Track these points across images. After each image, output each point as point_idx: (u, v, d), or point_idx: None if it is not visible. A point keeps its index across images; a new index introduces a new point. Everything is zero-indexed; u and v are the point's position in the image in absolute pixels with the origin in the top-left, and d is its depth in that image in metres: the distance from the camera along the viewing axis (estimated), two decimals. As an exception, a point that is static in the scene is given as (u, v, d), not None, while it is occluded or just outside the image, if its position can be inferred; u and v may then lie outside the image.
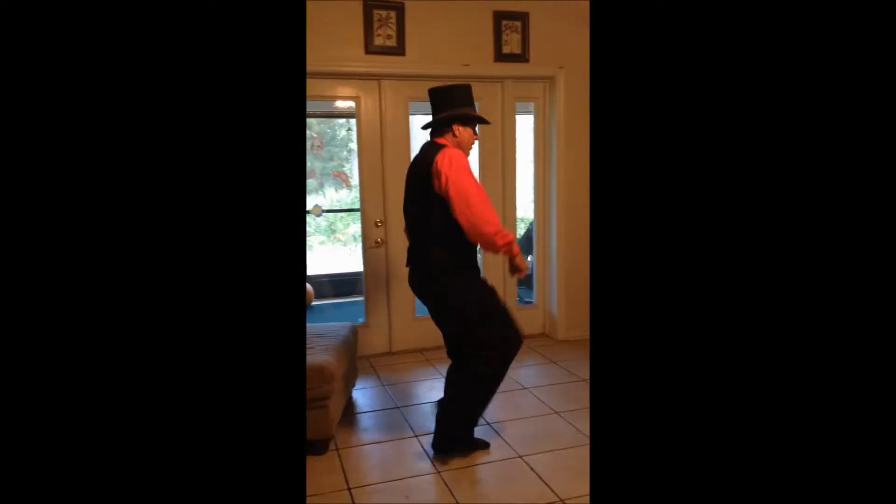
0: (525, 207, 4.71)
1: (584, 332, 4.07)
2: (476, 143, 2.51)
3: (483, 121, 2.50)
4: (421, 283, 2.47)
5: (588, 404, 2.91)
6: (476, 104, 2.51)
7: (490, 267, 3.91)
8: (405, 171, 2.53)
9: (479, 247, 2.38)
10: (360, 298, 4.03)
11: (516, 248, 2.35)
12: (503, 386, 2.57)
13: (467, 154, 2.43)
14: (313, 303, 5.10)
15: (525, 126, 4.16)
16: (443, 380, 2.60)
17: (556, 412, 2.94)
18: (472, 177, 2.29)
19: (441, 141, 2.42)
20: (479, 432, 2.64)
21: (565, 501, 2.18)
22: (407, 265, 2.54)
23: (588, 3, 3.77)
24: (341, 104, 4.16)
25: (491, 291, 2.47)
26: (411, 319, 3.95)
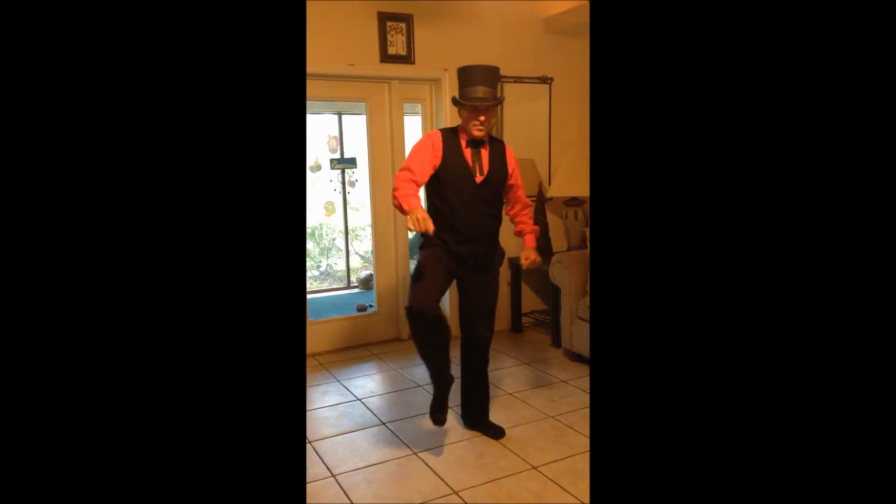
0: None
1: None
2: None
3: (474, 101, 2.40)
4: None
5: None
6: (462, 91, 2.41)
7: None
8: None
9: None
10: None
11: (405, 206, 2.27)
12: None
13: (471, 135, 2.46)
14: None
15: (416, 127, 4.20)
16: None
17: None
18: (414, 153, 2.44)
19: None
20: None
21: (459, 493, 2.24)
22: None
23: (470, 5, 3.88)
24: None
25: (443, 266, 2.43)
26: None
